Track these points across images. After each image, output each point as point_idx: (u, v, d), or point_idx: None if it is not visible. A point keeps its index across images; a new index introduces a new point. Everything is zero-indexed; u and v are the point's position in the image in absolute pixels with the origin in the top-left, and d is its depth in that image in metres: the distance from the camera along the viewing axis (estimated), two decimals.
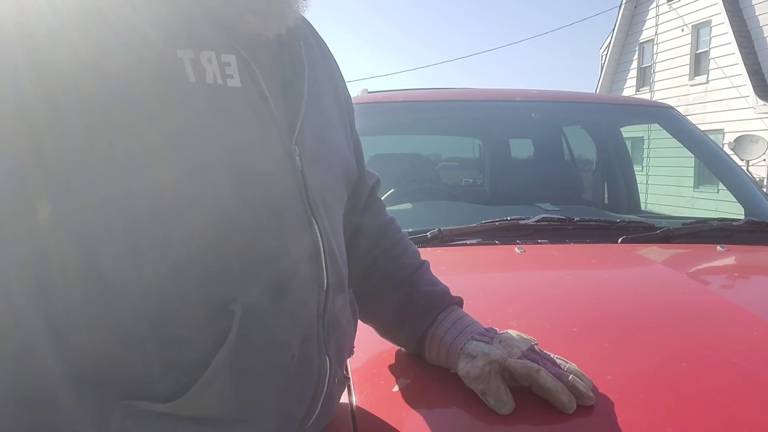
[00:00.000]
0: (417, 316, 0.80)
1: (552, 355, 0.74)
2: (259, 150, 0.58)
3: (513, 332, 0.75)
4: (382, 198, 0.94)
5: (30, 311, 0.50)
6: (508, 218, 1.43)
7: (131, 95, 0.51)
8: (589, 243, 1.39)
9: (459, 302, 0.83)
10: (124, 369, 0.50)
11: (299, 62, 0.68)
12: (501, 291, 1.12)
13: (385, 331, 0.85)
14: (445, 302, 0.81)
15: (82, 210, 0.50)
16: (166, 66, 0.53)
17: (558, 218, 1.45)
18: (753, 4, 10.67)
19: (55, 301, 0.50)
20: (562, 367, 0.72)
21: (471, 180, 2.34)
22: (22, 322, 0.49)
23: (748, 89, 10.39)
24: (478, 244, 1.36)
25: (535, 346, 0.74)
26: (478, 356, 0.71)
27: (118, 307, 0.51)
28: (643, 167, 5.05)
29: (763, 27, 10.48)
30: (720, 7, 11.08)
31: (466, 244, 1.35)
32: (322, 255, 0.63)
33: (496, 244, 1.36)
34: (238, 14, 0.59)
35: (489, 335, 0.75)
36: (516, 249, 1.31)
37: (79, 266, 0.50)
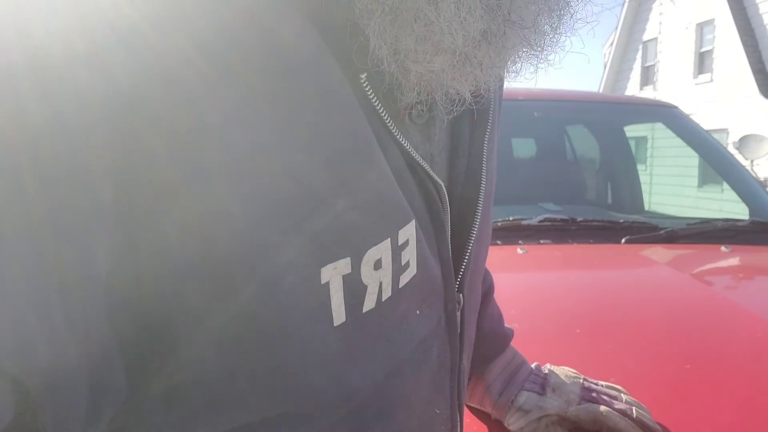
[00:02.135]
0: (473, 360, 0.66)
1: (600, 383, 0.70)
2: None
3: (556, 370, 0.70)
4: None
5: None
6: (510, 218, 1.42)
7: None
8: (592, 243, 1.38)
9: (512, 337, 0.74)
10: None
11: (485, 104, 0.46)
12: (503, 292, 1.11)
13: None
14: (504, 346, 0.71)
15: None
16: (302, 304, 0.31)
17: (561, 218, 1.44)
18: (757, 2, 10.64)
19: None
20: (617, 397, 0.68)
21: None
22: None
23: (753, 88, 10.36)
24: None
25: (585, 381, 0.69)
26: (533, 410, 0.66)
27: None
28: (646, 167, 5.04)
29: (767, 26, 10.45)
30: (724, 6, 11.05)
31: None
32: None
33: (498, 245, 1.35)
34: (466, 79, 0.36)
35: (538, 382, 0.68)
36: (518, 249, 1.30)
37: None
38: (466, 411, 0.70)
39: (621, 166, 2.27)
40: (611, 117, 2.23)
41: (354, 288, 0.33)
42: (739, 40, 10.69)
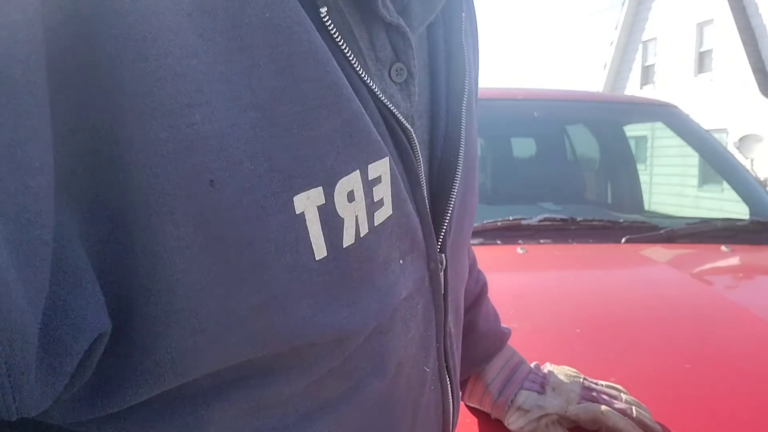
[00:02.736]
0: (471, 359, 0.68)
1: (600, 383, 0.70)
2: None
3: (556, 369, 0.70)
4: None
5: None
6: (510, 218, 1.42)
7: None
8: (591, 243, 1.38)
9: (509, 336, 0.73)
10: None
11: (460, 72, 0.46)
12: (503, 291, 1.11)
13: None
14: (501, 345, 0.71)
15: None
16: (278, 234, 0.30)
17: (560, 218, 1.44)
18: (757, 2, 10.64)
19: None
20: (617, 397, 0.67)
21: None
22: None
23: (753, 88, 10.36)
24: (480, 244, 1.35)
25: (585, 381, 0.69)
26: (533, 410, 0.65)
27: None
28: (646, 166, 5.04)
29: (766, 25, 10.45)
30: (724, 5, 11.05)
31: None
32: (451, 415, 0.50)
33: (498, 244, 1.35)
34: None
35: (538, 381, 0.68)
36: (518, 249, 1.30)
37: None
38: (466, 410, 0.70)
39: (621, 165, 2.27)
40: (611, 116, 2.23)
41: (331, 220, 0.32)
42: (739, 39, 10.69)
